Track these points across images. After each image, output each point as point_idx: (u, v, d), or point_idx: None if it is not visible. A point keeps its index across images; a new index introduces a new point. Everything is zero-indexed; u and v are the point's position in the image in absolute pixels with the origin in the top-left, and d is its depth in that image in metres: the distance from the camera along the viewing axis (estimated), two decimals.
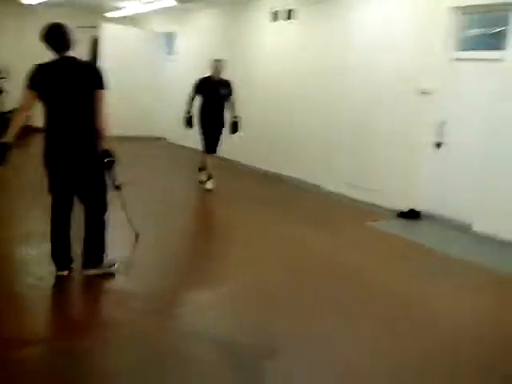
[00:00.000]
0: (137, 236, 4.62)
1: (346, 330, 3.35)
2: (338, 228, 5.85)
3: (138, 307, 3.41)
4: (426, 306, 3.82)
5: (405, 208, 6.49)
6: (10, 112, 11.63)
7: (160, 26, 12.66)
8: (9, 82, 11.19)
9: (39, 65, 3.52)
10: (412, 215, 6.43)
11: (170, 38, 12.62)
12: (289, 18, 8.70)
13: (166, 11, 11.43)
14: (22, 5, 11.34)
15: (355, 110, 7.30)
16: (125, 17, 12.48)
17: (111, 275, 3.84)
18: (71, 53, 3.57)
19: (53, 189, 3.62)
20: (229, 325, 3.30)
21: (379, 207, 6.74)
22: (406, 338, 3.30)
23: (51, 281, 3.68)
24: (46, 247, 3.70)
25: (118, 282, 3.88)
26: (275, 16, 8.98)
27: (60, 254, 3.70)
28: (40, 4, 11.12)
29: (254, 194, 7.33)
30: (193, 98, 7.33)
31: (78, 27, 13.14)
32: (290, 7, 8.65)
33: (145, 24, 13.29)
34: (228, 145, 10.03)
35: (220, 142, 7.38)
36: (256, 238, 5.22)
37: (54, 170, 3.57)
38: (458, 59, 6.20)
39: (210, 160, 7.33)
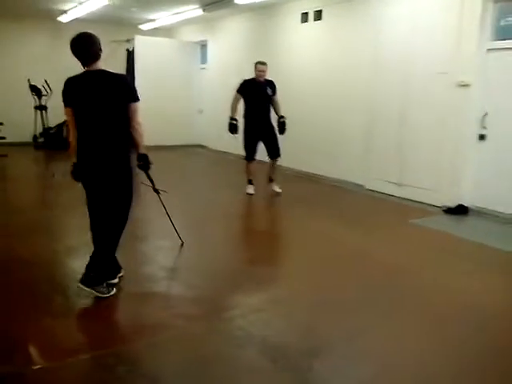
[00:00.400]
0: (182, 244, 4.71)
1: (398, 330, 3.31)
2: (383, 226, 5.77)
3: (185, 311, 3.47)
4: (482, 304, 3.74)
5: (452, 204, 6.36)
6: (54, 127, 12.07)
7: (192, 35, 12.84)
8: (50, 98, 11.58)
9: (69, 79, 3.51)
10: (459, 211, 6.29)
11: (202, 46, 12.79)
12: (319, 18, 8.69)
13: (196, 20, 11.59)
14: (58, 21, 11.71)
15: (393, 107, 7.21)
16: (158, 28, 12.71)
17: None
18: (99, 64, 3.57)
19: (90, 203, 3.62)
20: (277, 327, 3.31)
21: (425, 204, 6.64)
22: (460, 340, 3.24)
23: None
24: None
25: (165, 287, 3.97)
26: (305, 17, 8.98)
27: (108, 264, 3.71)
28: (75, 20, 11.46)
29: (295, 195, 7.33)
30: (237, 102, 7.12)
31: (113, 41, 13.67)
32: (319, 8, 8.64)
33: (177, 34, 13.52)
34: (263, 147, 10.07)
35: (276, 143, 7.18)
36: (302, 240, 5.23)
37: (87, 185, 3.57)
38: (494, 49, 6.05)
39: (252, 167, 7.22)
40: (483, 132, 6.17)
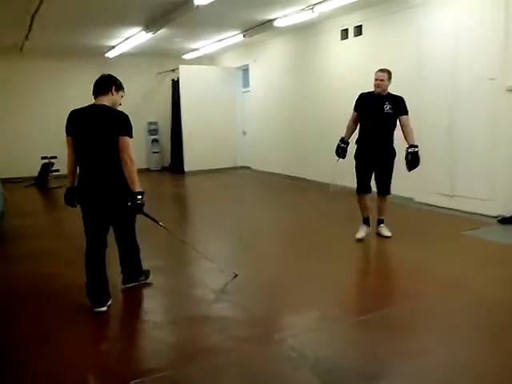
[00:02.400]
0: (235, 276, 4.57)
1: (461, 350, 3.18)
2: (437, 240, 5.60)
3: (238, 334, 3.46)
4: None
5: (508, 213, 6.10)
6: None
7: (234, 60, 13.10)
8: None
9: (72, 111, 3.83)
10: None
11: (244, 70, 13.02)
12: (359, 33, 8.67)
13: (238, 46, 11.81)
14: (106, 57, 12.24)
15: (441, 117, 7.05)
16: (201, 57, 13.04)
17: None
18: (105, 99, 3.84)
19: (86, 228, 3.82)
20: (331, 349, 3.25)
21: (479, 215, 6.40)
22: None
23: (154, 313, 3.86)
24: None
25: (219, 310, 3.98)
26: (345, 34, 8.99)
27: (96, 291, 3.78)
28: (120, 55, 11.94)
29: (340, 211, 7.24)
30: (353, 121, 5.73)
31: (158, 73, 14.11)
32: (359, 23, 8.63)
33: (219, 61, 13.82)
34: (302, 163, 10.06)
35: (389, 177, 5.67)
36: (353, 255, 5.15)
37: (84, 211, 3.81)
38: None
39: (367, 201, 5.72)
40: None
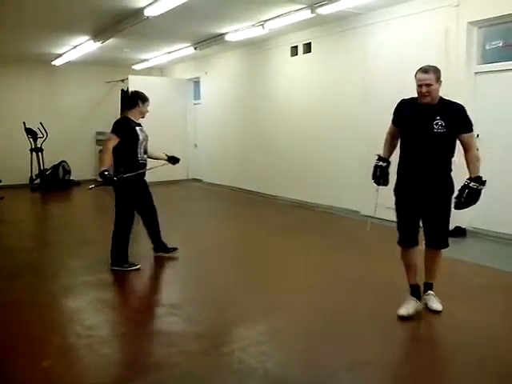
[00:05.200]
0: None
1: (403, 359, 3.27)
2: (381, 252, 5.76)
3: (187, 348, 3.42)
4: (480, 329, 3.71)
5: (451, 226, 6.35)
6: (50, 169, 12.14)
7: (185, 72, 13.08)
8: (46, 140, 11.71)
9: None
10: (457, 233, 6.29)
11: (195, 82, 13.02)
12: (308, 51, 8.87)
13: (189, 58, 11.82)
14: (52, 65, 11.95)
15: (384, 133, 7.27)
16: (151, 67, 12.95)
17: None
18: (130, 113, 5.17)
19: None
20: (279, 360, 3.27)
21: None
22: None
23: (101, 327, 3.77)
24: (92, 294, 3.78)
25: (167, 324, 3.92)
26: (295, 50, 9.17)
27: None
28: (68, 63, 11.69)
29: (291, 224, 7.34)
30: (392, 137, 4.26)
31: (107, 82, 13.89)
32: (308, 40, 8.83)
33: (170, 72, 13.77)
34: (252, 175, 10.18)
35: (444, 223, 3.92)
36: (301, 270, 5.20)
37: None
38: (482, 72, 6.18)
39: (414, 257, 3.96)
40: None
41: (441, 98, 3.79)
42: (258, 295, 4.45)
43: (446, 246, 3.91)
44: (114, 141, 4.95)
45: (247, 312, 4.04)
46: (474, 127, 3.72)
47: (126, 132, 5.02)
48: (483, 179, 3.58)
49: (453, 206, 3.71)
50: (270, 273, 5.11)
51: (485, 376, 3.01)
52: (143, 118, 5.31)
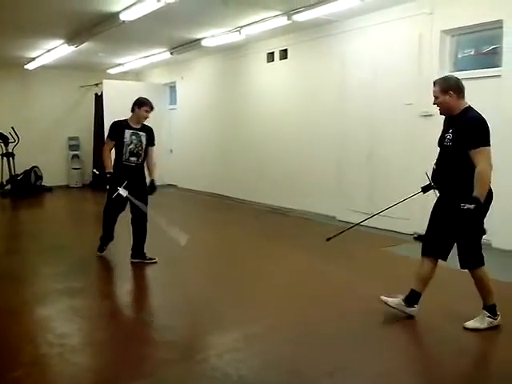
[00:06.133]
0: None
1: (380, 364, 3.28)
2: (357, 256, 5.80)
3: (161, 356, 3.38)
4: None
5: (422, 231, 6.43)
6: (21, 174, 11.89)
7: (161, 77, 13.00)
8: (17, 145, 11.47)
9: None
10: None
11: (171, 87, 12.95)
12: (285, 57, 8.91)
13: (165, 63, 11.75)
14: (25, 69, 11.73)
15: (361, 139, 7.36)
16: (126, 72, 12.83)
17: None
18: (129, 117, 5.54)
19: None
20: (255, 366, 3.23)
21: (396, 233, 6.71)
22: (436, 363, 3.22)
23: (73, 336, 3.69)
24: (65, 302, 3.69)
25: (141, 332, 3.86)
26: (271, 57, 9.20)
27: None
28: (41, 67, 11.49)
29: (269, 230, 7.33)
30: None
31: (81, 86, 13.69)
32: (284, 47, 8.87)
33: (146, 77, 13.67)
34: (228, 181, 10.16)
35: (466, 242, 3.63)
36: (274, 274, 5.18)
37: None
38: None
39: (423, 266, 3.85)
40: None
41: (465, 108, 3.62)
42: (233, 302, 4.42)
43: (468, 266, 3.62)
44: (108, 143, 5.45)
45: (222, 319, 4.00)
46: (486, 142, 3.44)
47: (114, 135, 5.43)
48: (477, 197, 3.34)
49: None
50: (246, 279, 5.09)
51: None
52: (143, 121, 5.60)
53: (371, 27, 7.19)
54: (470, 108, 3.63)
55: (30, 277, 5.29)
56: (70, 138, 13.05)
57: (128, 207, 5.49)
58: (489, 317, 3.63)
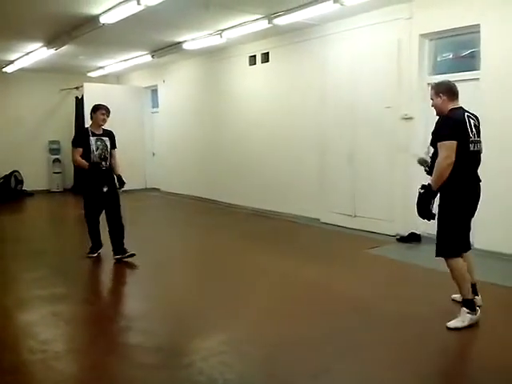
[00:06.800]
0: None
1: (364, 366, 3.31)
2: (340, 258, 5.85)
3: (145, 360, 3.36)
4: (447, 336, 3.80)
5: (404, 232, 6.52)
6: (2, 178, 11.71)
7: (142, 80, 12.93)
8: None
9: None
10: (412, 238, 6.45)
11: (152, 91, 12.89)
12: (266, 60, 8.94)
13: (146, 66, 11.69)
14: (3, 72, 11.57)
15: (343, 142, 7.40)
16: (107, 75, 12.74)
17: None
18: (91, 125, 5.82)
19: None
20: (240, 370, 3.24)
21: (379, 234, 6.78)
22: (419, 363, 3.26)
23: (55, 342, 3.65)
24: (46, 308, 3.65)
25: (125, 337, 3.84)
26: (253, 60, 9.22)
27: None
28: (20, 70, 11.34)
29: (252, 232, 7.34)
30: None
31: (62, 90, 13.54)
32: (266, 50, 8.90)
33: (127, 80, 13.59)
34: (211, 184, 10.15)
35: (439, 232, 3.88)
36: (261, 278, 5.18)
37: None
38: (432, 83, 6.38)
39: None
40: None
41: (450, 109, 3.81)
42: (218, 305, 4.41)
43: (439, 254, 3.80)
44: (76, 151, 5.72)
45: (207, 323, 3.99)
46: (448, 136, 3.63)
47: (81, 142, 5.74)
48: (428, 184, 3.71)
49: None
50: (230, 282, 5.08)
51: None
52: (102, 125, 5.84)
53: (351, 31, 7.26)
54: (454, 109, 3.80)
55: (11, 282, 5.22)
56: (51, 142, 12.90)
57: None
58: (468, 313, 3.69)
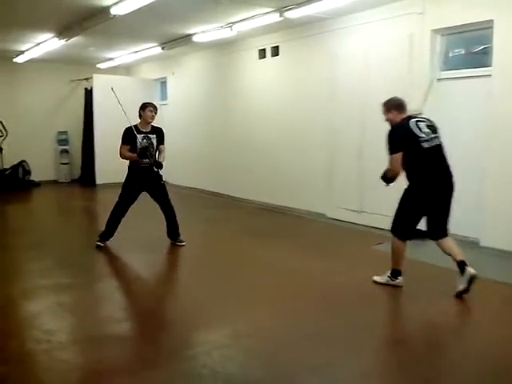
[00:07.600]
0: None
1: (366, 362, 3.29)
2: (347, 254, 5.82)
3: (151, 354, 3.35)
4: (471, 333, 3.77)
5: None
6: (10, 169, 11.77)
7: (152, 72, 12.93)
8: (5, 139, 11.37)
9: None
10: (418, 235, 6.38)
11: (161, 83, 12.88)
12: (276, 54, 8.89)
13: (156, 58, 11.68)
14: (14, 63, 11.60)
15: (352, 137, 7.35)
16: (117, 66, 12.74)
17: None
18: (139, 123, 6.13)
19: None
20: (241, 363, 3.24)
21: (385, 230, 6.71)
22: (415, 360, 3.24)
23: (60, 332, 3.67)
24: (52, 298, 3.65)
25: (127, 329, 3.84)
26: (263, 53, 9.18)
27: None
28: (31, 60, 11.37)
29: (260, 227, 7.33)
30: None
31: (72, 81, 13.56)
32: (276, 44, 8.85)
33: (137, 72, 13.58)
34: (219, 178, 10.13)
35: (395, 213, 4.74)
36: (266, 273, 5.18)
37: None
38: (444, 79, 6.32)
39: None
40: None
41: (399, 120, 4.51)
42: (222, 299, 4.41)
43: (392, 231, 4.66)
44: (123, 147, 6.02)
45: (210, 316, 3.99)
46: (393, 150, 4.39)
47: (128, 140, 6.00)
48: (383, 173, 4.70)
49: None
50: (235, 276, 5.08)
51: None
52: (151, 122, 6.10)
53: (362, 25, 7.19)
54: (402, 119, 4.46)
55: (17, 273, 5.25)
56: (60, 133, 12.94)
57: (140, 200, 6.09)
58: (388, 276, 4.53)
